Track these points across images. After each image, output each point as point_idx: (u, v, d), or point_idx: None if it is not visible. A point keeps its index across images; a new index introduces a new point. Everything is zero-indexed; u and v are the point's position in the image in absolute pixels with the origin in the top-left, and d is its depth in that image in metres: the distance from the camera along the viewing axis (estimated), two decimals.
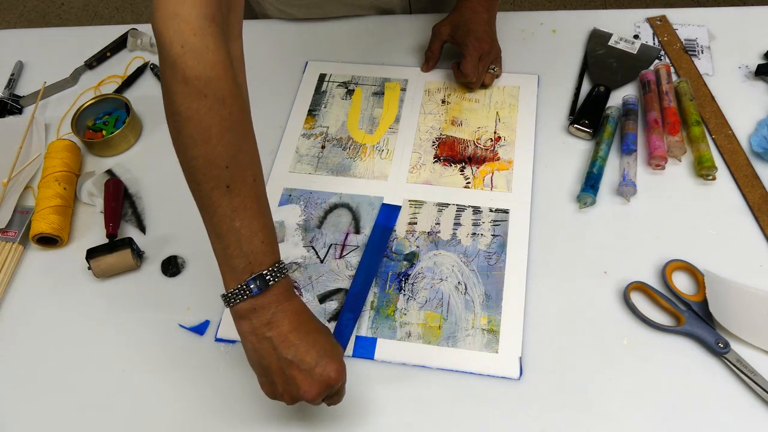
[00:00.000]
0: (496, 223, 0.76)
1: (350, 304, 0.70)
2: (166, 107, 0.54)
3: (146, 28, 1.01)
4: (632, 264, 0.71)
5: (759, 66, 0.85)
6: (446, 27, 0.87)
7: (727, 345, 0.64)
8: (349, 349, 0.69)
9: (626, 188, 0.75)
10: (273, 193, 0.81)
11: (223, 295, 0.56)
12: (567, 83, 0.88)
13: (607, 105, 0.83)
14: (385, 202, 0.78)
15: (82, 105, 0.89)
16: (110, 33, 1.01)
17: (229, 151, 0.53)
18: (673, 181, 0.77)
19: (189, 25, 0.51)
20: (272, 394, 0.58)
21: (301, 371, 0.55)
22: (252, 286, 0.54)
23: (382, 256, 0.74)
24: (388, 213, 0.77)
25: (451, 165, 0.81)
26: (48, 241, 0.78)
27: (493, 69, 0.87)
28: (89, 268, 0.74)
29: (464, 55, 0.84)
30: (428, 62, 0.90)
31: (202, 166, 0.53)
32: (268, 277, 0.55)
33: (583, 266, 0.72)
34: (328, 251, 0.76)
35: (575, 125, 0.82)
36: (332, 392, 0.58)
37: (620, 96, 0.84)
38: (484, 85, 0.88)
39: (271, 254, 0.56)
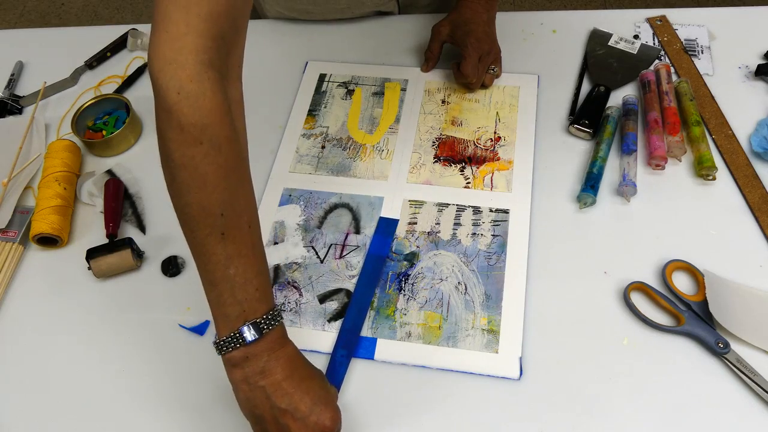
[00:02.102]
0: (496, 223, 0.76)
1: (343, 341, 0.69)
2: (161, 152, 0.53)
3: (146, 28, 1.01)
4: (632, 264, 0.71)
5: (759, 66, 0.85)
6: (446, 27, 0.87)
7: (727, 345, 0.64)
8: None
9: (626, 188, 0.75)
10: (273, 193, 0.81)
11: (215, 343, 0.55)
12: (567, 83, 0.88)
13: (607, 105, 0.83)
14: (381, 208, 0.78)
15: (82, 105, 0.89)
16: (110, 33, 1.01)
17: (224, 198, 0.52)
18: (673, 181, 0.77)
19: (186, 72, 0.50)
20: None
21: (296, 420, 0.54)
22: (246, 335, 0.54)
23: (376, 287, 0.72)
24: (385, 229, 0.76)
25: (451, 165, 0.81)
26: (48, 241, 0.78)
27: (493, 69, 0.87)
28: (89, 268, 0.74)
29: (464, 56, 0.84)
30: (428, 62, 0.90)
31: (197, 214, 0.52)
32: (262, 325, 0.54)
33: (583, 266, 0.72)
34: (328, 251, 0.76)
35: (575, 125, 0.82)
36: None
37: (620, 96, 0.84)
38: (484, 86, 0.88)
39: (265, 301, 0.55)
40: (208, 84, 0.51)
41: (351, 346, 0.68)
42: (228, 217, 0.53)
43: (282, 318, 0.57)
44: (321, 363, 0.68)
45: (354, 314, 0.70)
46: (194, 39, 0.50)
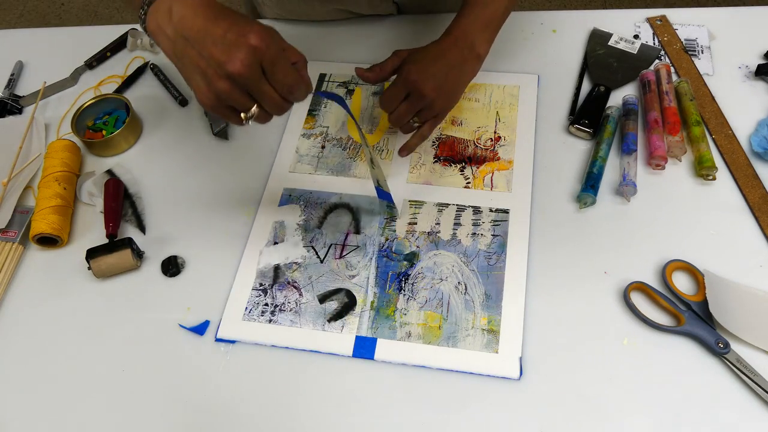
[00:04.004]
0: (496, 223, 0.76)
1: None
2: None
3: None
4: (632, 264, 0.71)
5: (759, 66, 0.85)
6: (405, 53, 0.75)
7: (727, 345, 0.64)
8: (349, 349, 0.69)
9: (626, 188, 0.75)
10: (273, 193, 0.81)
11: (141, 28, 0.58)
12: (567, 83, 0.88)
13: (607, 105, 0.83)
14: (381, 209, 0.78)
15: (82, 105, 0.89)
16: (110, 33, 1.01)
17: None
18: (673, 181, 0.77)
19: None
20: (207, 92, 0.54)
21: (216, 45, 0.52)
22: None
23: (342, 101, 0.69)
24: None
25: (451, 165, 0.81)
26: (48, 241, 0.78)
27: (414, 122, 0.75)
28: (89, 268, 0.74)
29: (394, 81, 0.73)
30: (371, 70, 0.76)
31: None
32: None
33: (583, 266, 0.72)
34: (328, 251, 0.76)
35: (575, 125, 0.82)
36: (267, 62, 0.53)
37: (620, 96, 0.84)
38: (403, 132, 0.78)
39: None
40: None
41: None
42: None
43: None
44: (321, 362, 0.68)
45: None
46: None
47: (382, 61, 0.76)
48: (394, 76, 0.75)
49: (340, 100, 0.68)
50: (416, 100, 0.72)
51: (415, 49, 0.75)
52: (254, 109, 0.55)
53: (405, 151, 0.78)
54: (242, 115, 0.55)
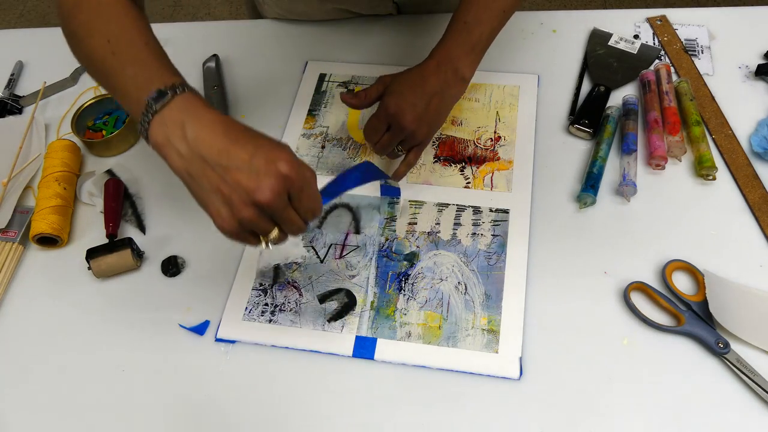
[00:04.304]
0: (496, 223, 0.76)
1: (331, 186, 0.65)
2: (67, 42, 0.63)
3: None
4: (632, 264, 0.71)
5: (759, 66, 0.85)
6: (389, 78, 0.74)
7: (727, 345, 0.64)
8: (349, 349, 0.69)
9: (626, 188, 0.75)
10: None
11: (139, 131, 0.55)
12: (567, 83, 0.88)
13: (607, 105, 0.83)
14: (381, 209, 0.78)
15: (82, 105, 0.89)
16: None
17: (108, 29, 0.58)
18: (673, 181, 0.77)
19: None
20: (229, 219, 0.51)
21: (242, 171, 0.49)
22: (152, 101, 0.52)
23: (370, 180, 0.70)
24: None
25: (451, 165, 0.81)
26: (48, 241, 0.78)
27: (399, 150, 0.75)
28: (89, 268, 0.74)
29: (375, 113, 0.73)
30: (356, 97, 0.75)
31: (90, 53, 0.59)
32: (166, 89, 0.53)
33: (583, 266, 0.72)
34: (328, 251, 0.76)
35: (575, 125, 0.82)
36: (294, 189, 0.51)
37: (620, 96, 0.84)
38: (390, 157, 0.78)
39: (171, 77, 0.54)
40: None
41: (331, 196, 0.67)
42: (115, 41, 0.57)
43: (195, 90, 0.54)
44: (321, 362, 0.68)
45: (341, 178, 0.66)
46: None
47: (368, 87, 0.75)
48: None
49: (396, 192, 0.76)
50: (397, 132, 0.72)
51: (396, 76, 0.73)
52: (275, 232, 0.52)
53: (397, 178, 0.78)
54: (263, 239, 0.53)
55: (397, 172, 0.77)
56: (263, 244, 0.53)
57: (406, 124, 0.71)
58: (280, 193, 0.50)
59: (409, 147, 0.75)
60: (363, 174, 0.68)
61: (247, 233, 0.52)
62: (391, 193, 0.78)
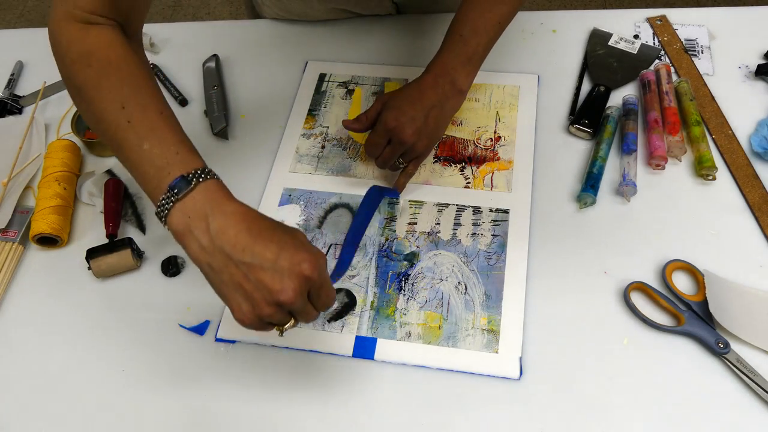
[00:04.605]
0: (496, 223, 0.76)
1: (349, 241, 0.71)
2: (66, 87, 0.59)
3: (146, 28, 1.00)
4: (632, 264, 0.71)
5: (759, 66, 0.85)
6: (388, 96, 0.75)
7: (727, 345, 0.64)
8: (349, 349, 0.69)
9: (626, 188, 0.75)
10: (273, 193, 0.81)
11: (156, 214, 0.53)
12: (567, 83, 0.88)
13: (607, 105, 0.83)
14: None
15: None
16: None
17: (121, 94, 0.55)
18: (673, 181, 0.77)
19: (75, 27, 0.58)
20: (250, 314, 0.51)
21: (266, 271, 0.49)
22: (175, 188, 0.51)
23: (368, 223, 0.75)
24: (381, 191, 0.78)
25: (451, 165, 0.81)
26: (48, 241, 0.78)
27: (400, 163, 0.76)
28: (89, 268, 0.74)
29: (374, 128, 0.75)
30: (357, 121, 0.76)
31: (101, 116, 0.55)
32: (190, 177, 0.52)
33: (583, 266, 0.72)
34: (328, 251, 0.76)
35: (575, 125, 0.82)
36: (314, 287, 0.52)
37: (620, 96, 0.84)
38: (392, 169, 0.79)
39: (191, 161, 0.53)
40: (94, 29, 0.58)
41: (354, 246, 0.73)
42: (130, 108, 0.55)
43: (217, 176, 0.54)
44: (321, 362, 0.68)
45: (361, 217, 0.74)
46: (82, 14, 0.57)
47: (367, 109, 0.76)
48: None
49: (395, 193, 0.78)
50: (397, 146, 0.73)
51: (394, 92, 0.75)
52: (291, 323, 0.54)
53: (399, 189, 0.79)
54: (277, 328, 0.54)
55: (399, 184, 0.78)
56: (277, 333, 0.55)
57: (405, 138, 0.72)
58: (302, 294, 0.51)
59: (409, 160, 0.76)
60: (373, 200, 0.75)
61: (265, 325, 0.53)
62: (390, 194, 0.78)
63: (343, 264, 0.72)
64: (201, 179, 0.52)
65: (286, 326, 0.54)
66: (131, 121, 0.54)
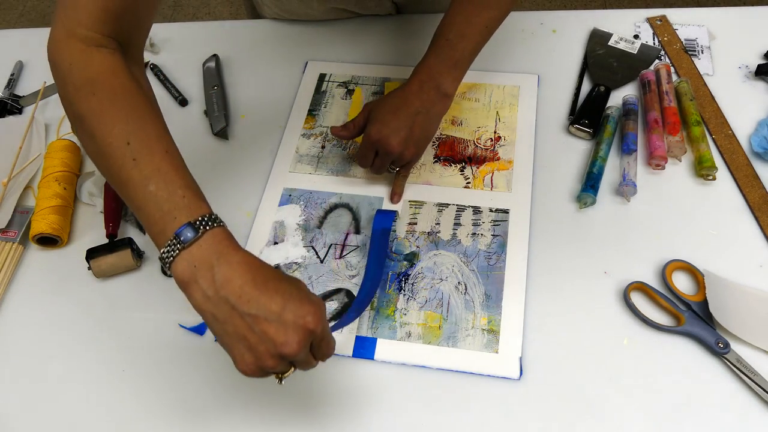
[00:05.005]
0: (496, 223, 0.76)
1: (357, 304, 0.69)
2: (67, 113, 0.57)
3: None
4: (632, 264, 0.71)
5: (759, 66, 0.85)
6: (373, 103, 0.76)
7: (727, 345, 0.64)
8: (349, 349, 0.69)
9: (626, 188, 0.75)
10: (273, 193, 0.81)
11: (160, 258, 0.52)
12: (567, 83, 0.88)
13: (607, 105, 0.83)
14: (381, 207, 0.78)
15: None
16: None
17: (128, 130, 0.53)
18: (673, 181, 0.77)
19: (77, 49, 0.56)
20: (252, 365, 0.51)
21: (271, 323, 0.50)
22: (182, 236, 0.50)
23: (385, 259, 0.73)
24: (383, 218, 0.76)
25: (451, 165, 0.81)
26: (48, 241, 0.78)
27: (392, 168, 0.77)
28: (89, 268, 0.74)
29: (361, 141, 0.76)
30: (345, 129, 0.77)
31: (105, 150, 0.54)
32: (197, 225, 0.51)
33: (583, 266, 0.72)
34: (328, 251, 0.76)
35: (575, 125, 0.82)
36: (317, 339, 0.52)
37: (620, 96, 0.84)
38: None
39: (197, 207, 0.52)
40: (97, 54, 0.56)
41: (360, 310, 0.69)
42: (135, 145, 0.53)
43: (223, 223, 0.53)
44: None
45: (367, 287, 0.71)
46: (84, 32, 0.56)
47: (354, 117, 0.77)
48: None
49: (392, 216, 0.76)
50: (386, 156, 0.74)
51: (378, 102, 0.75)
52: (290, 371, 0.54)
53: (396, 197, 0.79)
54: (276, 376, 0.55)
55: (395, 191, 0.79)
56: (276, 381, 0.55)
57: (391, 149, 0.72)
58: (305, 346, 0.51)
59: (400, 165, 0.77)
60: (384, 226, 0.74)
61: (265, 373, 0.54)
62: (388, 219, 0.76)
63: (350, 316, 0.69)
64: (208, 227, 0.52)
65: (286, 374, 0.54)
66: (137, 159, 0.53)
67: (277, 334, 0.50)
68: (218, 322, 0.51)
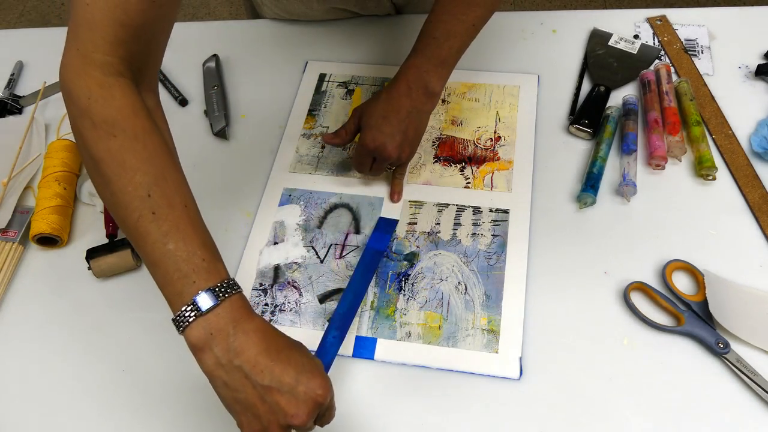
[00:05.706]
0: (496, 223, 0.76)
1: (337, 322, 0.68)
2: (81, 152, 0.55)
3: None
4: (632, 264, 0.71)
5: (759, 66, 0.85)
6: (362, 107, 0.76)
7: (727, 345, 0.64)
8: (349, 349, 0.69)
9: (626, 188, 0.75)
10: (273, 193, 0.81)
11: (173, 320, 0.52)
12: (567, 83, 0.88)
13: (607, 105, 0.83)
14: (381, 207, 0.78)
15: None
16: None
17: (148, 180, 0.52)
18: (673, 181, 0.77)
19: (95, 81, 0.53)
20: None
21: (283, 394, 0.50)
22: (200, 303, 0.50)
23: (372, 278, 0.72)
24: (384, 227, 0.76)
25: (451, 165, 0.81)
26: (48, 241, 0.78)
27: (390, 168, 0.78)
28: (89, 268, 0.74)
29: (356, 148, 0.76)
30: (336, 136, 0.77)
31: (122, 199, 0.52)
32: (216, 291, 0.51)
33: (583, 266, 0.72)
34: (328, 251, 0.76)
35: (575, 125, 0.82)
36: (322, 410, 0.53)
37: (620, 96, 0.84)
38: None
39: (216, 272, 0.52)
40: (118, 88, 0.53)
41: (344, 329, 0.67)
42: (156, 197, 0.52)
43: (240, 289, 0.52)
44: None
45: (350, 299, 0.69)
46: (102, 57, 0.53)
47: (345, 123, 0.77)
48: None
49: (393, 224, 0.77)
50: (382, 161, 0.75)
51: (368, 107, 0.75)
52: None
53: (396, 196, 0.79)
54: None
55: (395, 191, 0.79)
56: None
57: (388, 155, 0.73)
58: (313, 418, 0.52)
59: (397, 165, 0.78)
60: (378, 248, 0.74)
61: None
62: (389, 227, 0.77)
63: (327, 356, 0.65)
64: (227, 294, 0.51)
65: None
66: (156, 213, 0.51)
67: (289, 406, 0.50)
68: (229, 389, 0.51)
